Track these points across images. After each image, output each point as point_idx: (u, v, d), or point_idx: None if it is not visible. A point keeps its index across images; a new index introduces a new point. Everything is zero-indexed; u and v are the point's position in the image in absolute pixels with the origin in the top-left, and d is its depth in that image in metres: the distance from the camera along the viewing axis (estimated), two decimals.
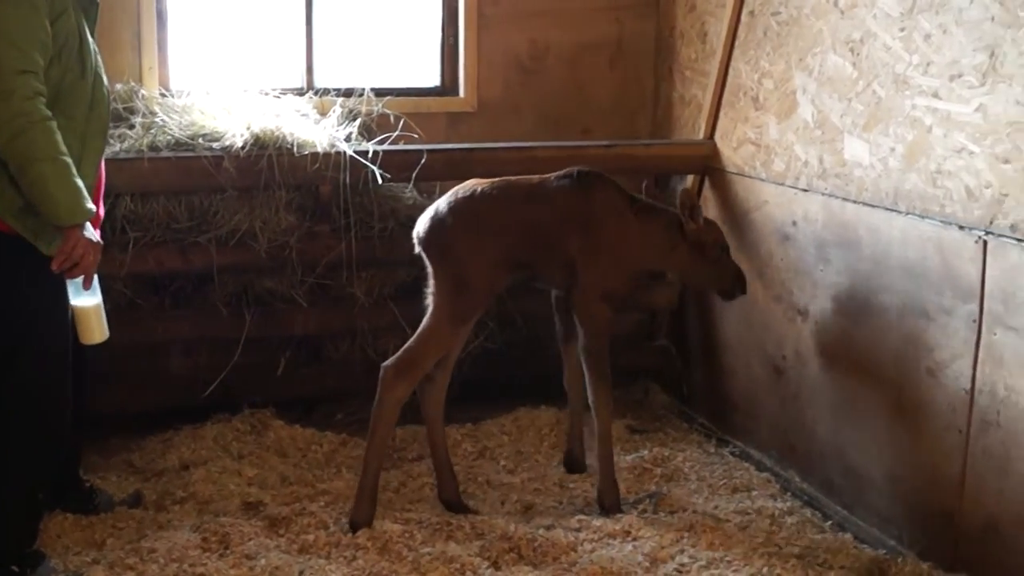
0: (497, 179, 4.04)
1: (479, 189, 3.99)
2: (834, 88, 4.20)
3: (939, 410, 3.69)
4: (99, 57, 3.48)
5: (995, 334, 3.45)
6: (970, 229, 3.54)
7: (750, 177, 4.74)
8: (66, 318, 3.47)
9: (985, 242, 3.47)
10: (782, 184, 4.51)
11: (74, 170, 3.24)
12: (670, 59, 5.46)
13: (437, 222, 3.96)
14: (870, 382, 4.02)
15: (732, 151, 4.89)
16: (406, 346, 3.94)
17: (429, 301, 4.02)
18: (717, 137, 5.00)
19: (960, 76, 3.58)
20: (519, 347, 5.13)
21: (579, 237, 4.01)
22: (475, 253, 3.93)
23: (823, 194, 4.26)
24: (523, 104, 5.46)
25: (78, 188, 3.25)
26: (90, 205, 3.30)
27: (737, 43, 4.85)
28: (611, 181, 4.12)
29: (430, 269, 4.01)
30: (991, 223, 3.46)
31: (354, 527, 3.87)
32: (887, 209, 3.91)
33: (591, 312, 4.05)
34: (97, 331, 3.53)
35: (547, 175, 4.09)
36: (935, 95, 3.69)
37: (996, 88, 3.43)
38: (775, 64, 4.58)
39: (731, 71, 4.90)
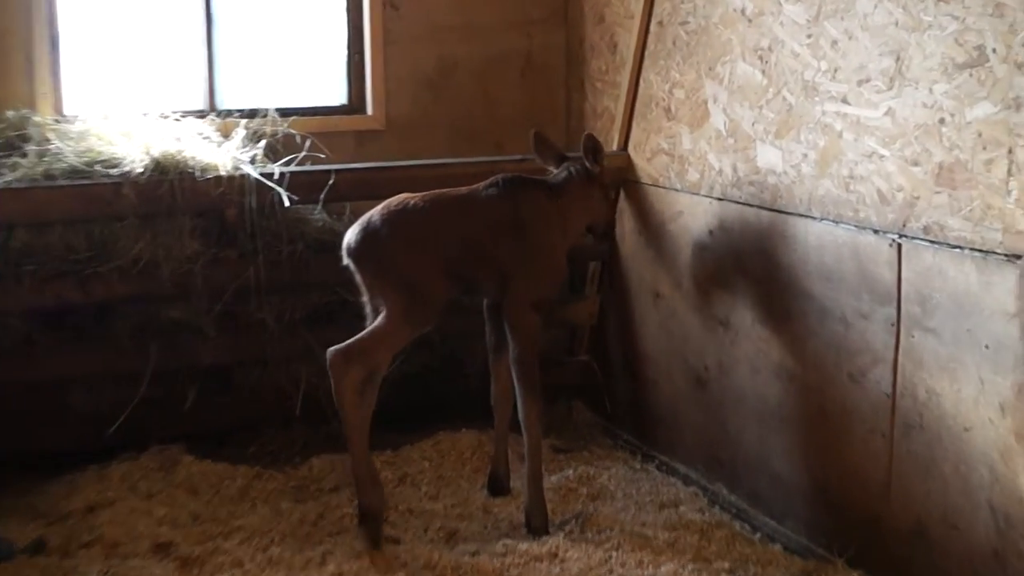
0: (428, 192, 4.06)
1: (411, 202, 4.02)
2: (745, 96, 4.25)
3: (862, 415, 3.73)
4: None
5: (913, 336, 3.50)
6: (884, 233, 3.59)
7: (665, 188, 4.77)
8: None
9: (899, 245, 3.52)
10: (697, 194, 4.54)
11: None
12: (581, 71, 5.49)
13: (371, 233, 3.97)
14: (793, 389, 4.05)
15: (646, 162, 4.92)
16: (357, 336, 3.93)
17: (368, 311, 4.04)
18: (631, 148, 5.04)
19: (868, 81, 3.64)
20: (437, 369, 5.11)
21: (509, 245, 4.06)
22: (415, 263, 3.95)
23: (738, 203, 4.29)
24: (434, 120, 5.45)
25: None
26: None
27: (647, 53, 4.89)
28: (534, 182, 4.20)
29: (362, 280, 4.03)
30: (904, 226, 3.52)
31: (365, 515, 3.90)
32: (802, 215, 3.95)
33: (522, 321, 4.08)
34: None
35: (475, 186, 4.14)
36: (844, 100, 3.74)
37: (903, 92, 3.50)
38: (685, 74, 4.62)
39: (642, 82, 4.94)
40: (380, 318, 3.96)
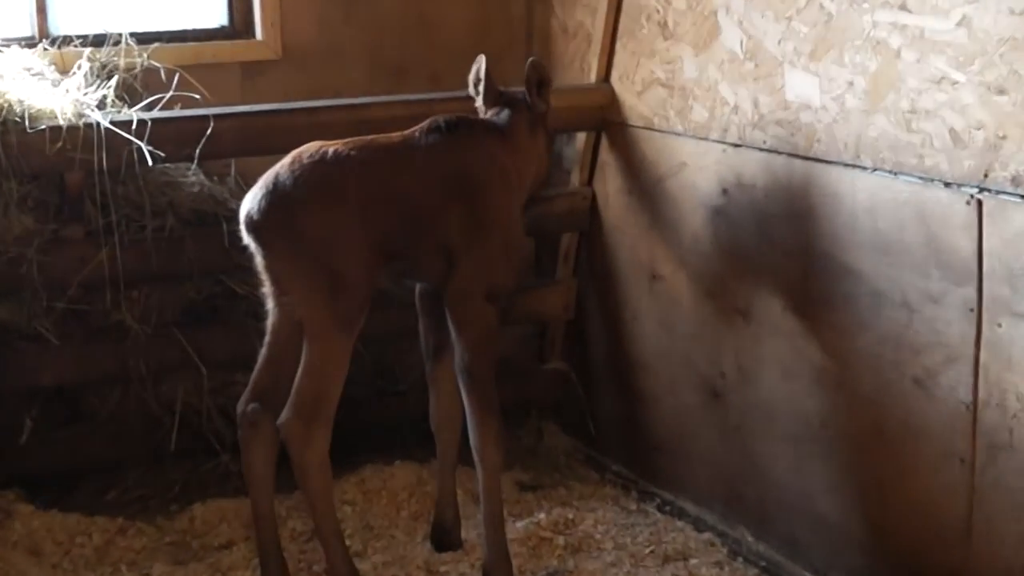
0: (350, 139, 4.04)
1: (330, 151, 3.98)
2: (768, 4, 4.23)
3: (933, 433, 3.72)
4: None
5: (1000, 326, 3.49)
6: (959, 186, 3.57)
7: (662, 131, 4.75)
8: None
9: (980, 202, 3.50)
10: (706, 139, 4.54)
11: None
12: None
13: (280, 196, 3.91)
14: (840, 401, 4.05)
15: (635, 97, 4.90)
16: (296, 385, 3.94)
17: (271, 308, 4.05)
18: (614, 79, 5.03)
19: None
20: (361, 384, 5.07)
21: (457, 211, 4.05)
22: (340, 235, 3.93)
23: (762, 149, 4.28)
24: (348, 47, 5.42)
25: None
26: None
27: None
28: (485, 125, 4.23)
29: (267, 264, 3.99)
30: (986, 176, 3.50)
31: None
32: (848, 165, 3.94)
33: (472, 315, 4.09)
34: None
35: (410, 131, 4.14)
36: (903, 7, 3.71)
37: None
38: None
39: None
40: (305, 343, 3.93)
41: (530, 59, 4.32)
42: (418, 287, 4.29)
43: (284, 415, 3.91)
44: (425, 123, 4.13)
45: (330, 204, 3.91)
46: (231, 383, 4.82)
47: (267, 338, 4.11)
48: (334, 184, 3.93)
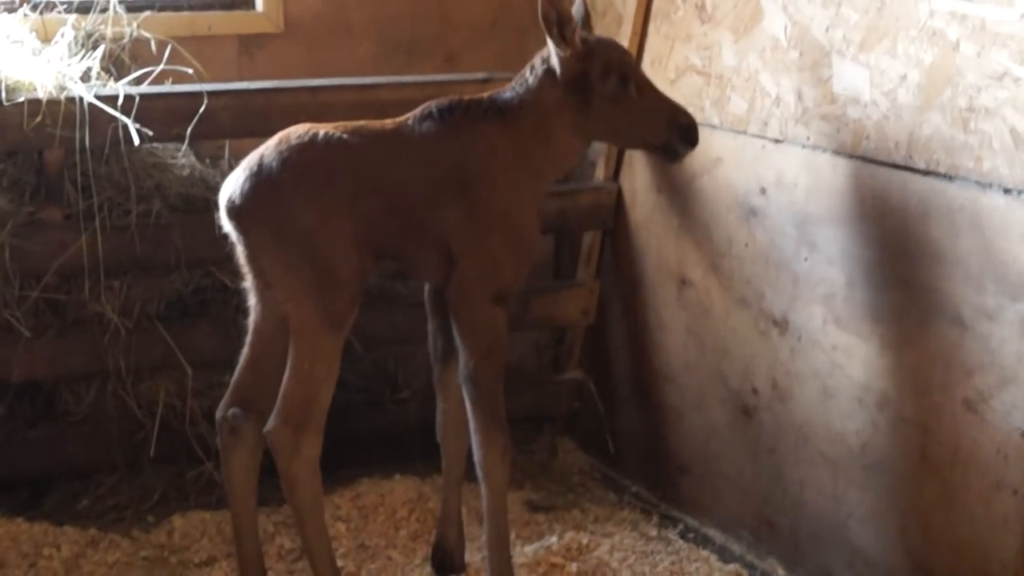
0: (342, 123, 4.05)
1: (320, 134, 3.99)
2: None
3: (984, 461, 3.71)
4: None
5: None
6: (1019, 193, 3.57)
7: (697, 124, 4.72)
8: None
9: None
10: (744, 133, 4.55)
11: None
12: None
13: (265, 180, 3.92)
14: (883, 423, 4.04)
15: (669, 85, 4.89)
16: (283, 389, 3.94)
17: (254, 304, 4.07)
18: (646, 64, 5.01)
19: None
20: (359, 390, 5.12)
21: (454, 205, 4.04)
22: (328, 223, 3.93)
23: (805, 146, 4.29)
24: (355, 21, 5.44)
25: None
26: None
27: None
28: (484, 108, 4.15)
29: (248, 253, 4.01)
30: None
31: None
32: (898, 166, 3.94)
33: (477, 319, 4.09)
34: None
35: (403, 117, 4.13)
36: None
37: None
38: None
39: None
40: (291, 347, 3.94)
41: None
42: (427, 287, 4.29)
43: (271, 422, 3.92)
44: (419, 109, 4.12)
45: (318, 190, 3.92)
46: (218, 384, 4.81)
47: (249, 337, 4.12)
48: (323, 169, 3.94)
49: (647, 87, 4.12)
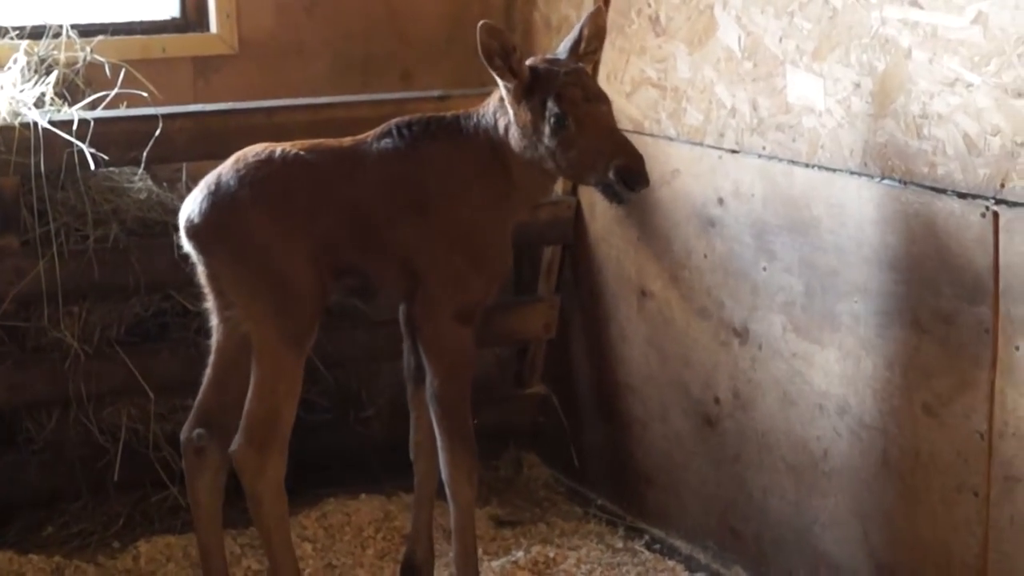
0: (299, 142, 4.06)
1: (278, 151, 4.00)
2: None
3: (944, 464, 3.73)
4: None
5: (1017, 348, 3.50)
6: (974, 197, 3.59)
7: (653, 136, 4.76)
8: None
9: (995, 214, 3.52)
10: (700, 144, 4.55)
11: None
12: None
13: (223, 198, 3.93)
14: (844, 430, 4.06)
15: (624, 98, 4.91)
16: (246, 409, 3.95)
17: (215, 325, 4.07)
18: (601, 78, 5.01)
19: None
20: (323, 408, 5.12)
21: (414, 224, 4.05)
22: (287, 243, 3.94)
23: (761, 156, 4.30)
24: (310, 41, 5.43)
25: None
26: None
27: None
28: (445, 125, 4.13)
29: (208, 273, 4.02)
30: (1002, 186, 3.51)
31: None
32: (854, 173, 3.96)
33: (442, 337, 4.09)
34: None
35: (363, 136, 4.13)
36: (913, 3, 3.73)
37: None
38: None
39: None
40: (253, 366, 3.95)
41: (480, 23, 3.94)
42: (401, 307, 4.27)
43: (235, 442, 3.93)
44: (380, 128, 4.11)
45: (277, 206, 3.93)
46: (181, 408, 4.80)
47: (212, 358, 4.13)
48: (282, 186, 3.95)
49: (587, 121, 3.87)
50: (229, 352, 4.07)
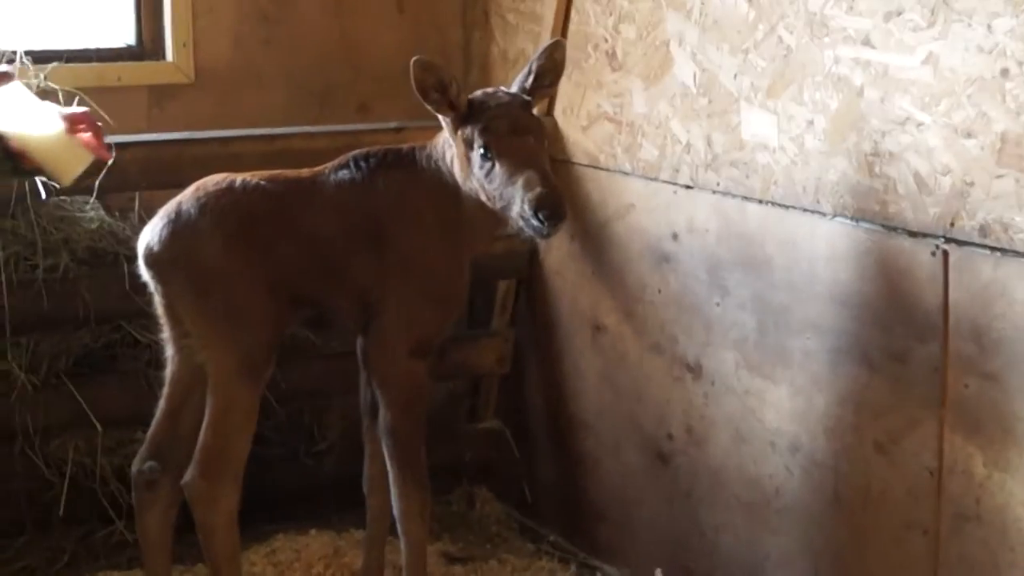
0: (259, 172, 4.08)
1: (238, 181, 4.02)
2: (724, 36, 4.28)
3: (894, 501, 3.75)
4: None
5: (967, 386, 3.53)
6: (924, 236, 3.63)
7: (608, 170, 4.79)
8: None
9: (945, 253, 3.55)
10: (655, 179, 4.57)
11: None
12: None
13: (183, 227, 3.95)
14: (795, 466, 4.08)
15: (580, 132, 4.95)
16: (200, 441, 3.95)
17: (170, 356, 4.08)
18: (558, 112, 5.06)
19: (899, 14, 3.67)
20: (274, 442, 5.10)
21: (369, 256, 4.06)
22: (246, 273, 3.96)
23: (715, 192, 4.32)
24: (266, 71, 5.43)
25: None
26: None
27: None
28: (401, 158, 4.16)
29: (165, 302, 4.02)
30: (952, 225, 3.55)
31: None
32: (807, 210, 3.99)
33: (395, 372, 4.10)
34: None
35: (320, 168, 4.15)
36: (866, 42, 3.78)
37: (950, 30, 3.53)
38: (638, 2, 4.65)
39: (574, 13, 4.96)
40: (208, 397, 3.96)
41: (414, 59, 3.96)
42: (359, 341, 4.28)
43: (189, 473, 3.93)
44: (339, 158, 4.14)
45: (236, 236, 3.95)
46: (129, 442, 4.78)
47: (165, 389, 4.12)
48: (241, 215, 3.97)
49: (509, 154, 3.86)
50: (183, 383, 4.07)
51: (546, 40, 4.97)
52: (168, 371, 4.11)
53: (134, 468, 4.12)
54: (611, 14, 4.78)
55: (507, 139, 3.86)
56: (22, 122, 3.29)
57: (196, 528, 3.96)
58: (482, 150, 3.85)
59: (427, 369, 4.14)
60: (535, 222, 3.76)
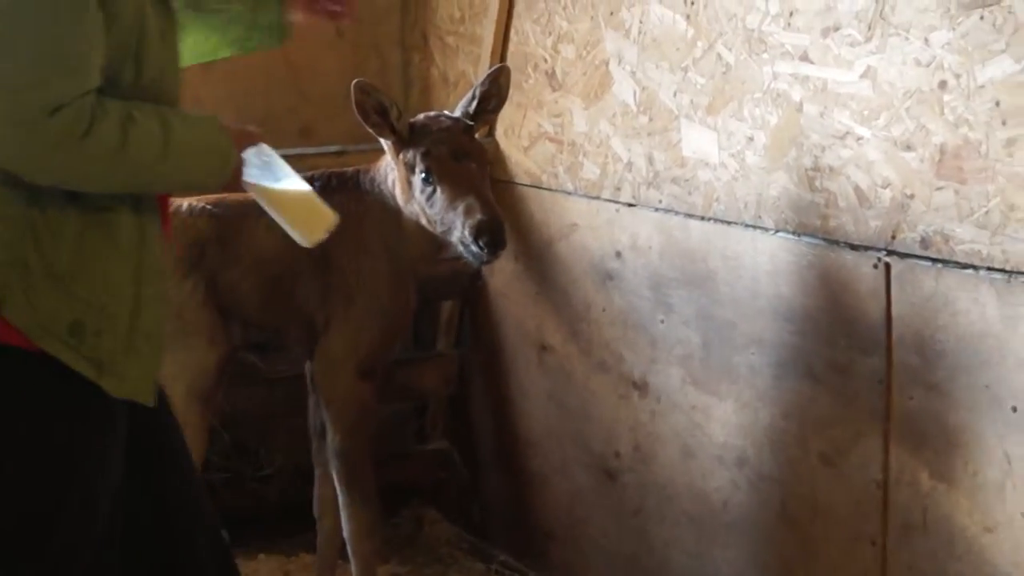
0: (205, 196, 4.09)
1: (184, 205, 4.03)
2: (663, 54, 4.28)
3: (842, 514, 3.75)
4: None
5: (911, 398, 3.54)
6: (865, 249, 3.64)
7: (550, 190, 4.79)
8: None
9: (887, 265, 3.56)
10: (598, 198, 4.57)
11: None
12: (424, 21, 5.51)
13: None
14: (743, 480, 4.08)
15: (522, 152, 4.95)
16: None
17: None
18: (499, 133, 5.06)
19: (837, 29, 3.68)
20: (219, 467, 5.06)
21: (313, 277, 4.06)
22: (195, 297, 3.98)
23: (657, 209, 4.33)
24: (208, 96, 5.32)
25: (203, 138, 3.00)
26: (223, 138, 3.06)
27: None
28: (344, 180, 4.18)
29: None
30: (893, 238, 3.56)
31: None
32: (749, 226, 3.99)
33: (342, 393, 4.11)
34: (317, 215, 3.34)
35: None
36: (804, 58, 3.78)
37: (887, 44, 3.54)
38: (576, 22, 4.65)
39: (513, 34, 4.96)
40: None
41: (354, 81, 4.00)
42: (308, 363, 4.28)
43: None
44: None
45: (184, 260, 3.94)
46: None
47: None
48: (188, 240, 3.96)
49: (450, 179, 3.92)
50: None
51: (486, 61, 5.01)
52: None
53: None
54: (550, 34, 4.78)
55: (448, 164, 3.90)
56: (271, 182, 3.31)
57: None
58: (423, 174, 3.88)
59: (374, 391, 4.12)
60: (475, 248, 3.82)
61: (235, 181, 3.11)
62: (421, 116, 4.02)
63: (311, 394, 4.31)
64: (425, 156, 3.90)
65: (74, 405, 2.87)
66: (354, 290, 4.06)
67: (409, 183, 3.91)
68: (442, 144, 3.92)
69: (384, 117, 3.91)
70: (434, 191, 3.87)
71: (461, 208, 3.85)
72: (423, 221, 3.95)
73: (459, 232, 3.85)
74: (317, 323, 4.06)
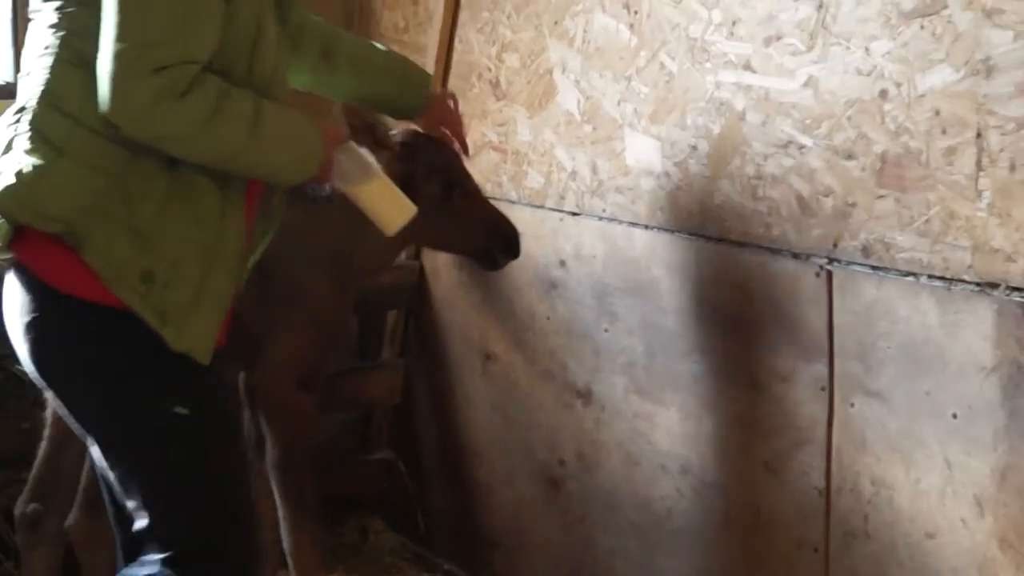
0: None
1: None
2: (606, 63, 4.28)
3: (785, 521, 3.77)
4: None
5: (853, 405, 3.55)
6: (807, 257, 3.65)
7: (495, 199, 4.71)
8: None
9: (829, 273, 3.58)
10: (542, 207, 4.58)
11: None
12: (368, 30, 5.49)
13: None
14: (687, 488, 4.08)
15: (466, 162, 4.86)
16: (83, 481, 3.96)
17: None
18: None
19: (779, 38, 3.70)
20: None
21: (255, 287, 3.97)
22: None
23: (601, 218, 4.33)
24: None
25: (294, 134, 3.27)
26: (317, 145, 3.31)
27: (464, 2, 4.92)
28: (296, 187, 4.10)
29: None
30: (835, 246, 3.58)
31: None
32: (692, 235, 4.00)
33: (283, 405, 4.09)
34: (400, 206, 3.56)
35: None
36: (747, 67, 3.80)
37: (829, 53, 3.56)
38: (521, 31, 4.65)
39: (458, 43, 4.96)
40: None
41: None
42: (241, 376, 4.25)
43: (72, 515, 3.85)
44: None
45: None
46: (16, 481, 4.62)
47: (48, 430, 4.04)
48: None
49: (474, 193, 4.17)
50: (65, 424, 3.98)
51: (430, 70, 4.99)
52: (48, 412, 4.02)
53: (17, 510, 4.03)
54: (494, 43, 4.78)
55: (470, 179, 4.16)
56: (358, 177, 3.48)
57: (79, 570, 3.88)
58: (445, 186, 4.05)
59: (314, 401, 4.10)
60: (499, 256, 4.22)
61: (323, 176, 3.36)
62: (405, 131, 4.04)
63: (246, 407, 4.25)
64: (448, 169, 4.07)
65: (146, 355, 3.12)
66: (293, 302, 4.04)
67: (411, 197, 3.93)
68: (456, 158, 4.08)
69: (372, 134, 3.92)
70: (456, 203, 4.08)
71: (492, 219, 4.17)
72: (419, 235, 4.09)
73: (484, 241, 4.17)
74: (256, 333, 4.04)
